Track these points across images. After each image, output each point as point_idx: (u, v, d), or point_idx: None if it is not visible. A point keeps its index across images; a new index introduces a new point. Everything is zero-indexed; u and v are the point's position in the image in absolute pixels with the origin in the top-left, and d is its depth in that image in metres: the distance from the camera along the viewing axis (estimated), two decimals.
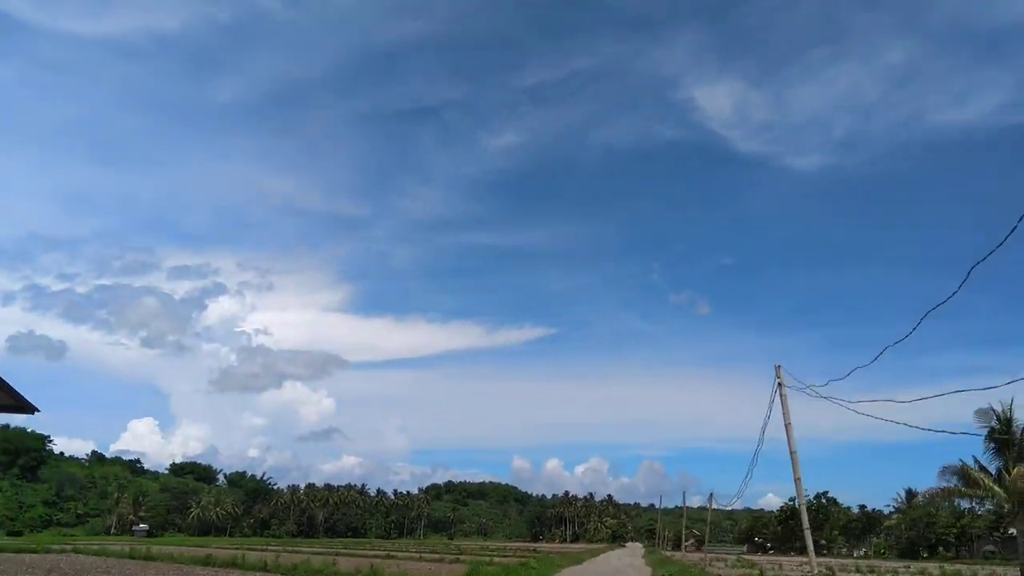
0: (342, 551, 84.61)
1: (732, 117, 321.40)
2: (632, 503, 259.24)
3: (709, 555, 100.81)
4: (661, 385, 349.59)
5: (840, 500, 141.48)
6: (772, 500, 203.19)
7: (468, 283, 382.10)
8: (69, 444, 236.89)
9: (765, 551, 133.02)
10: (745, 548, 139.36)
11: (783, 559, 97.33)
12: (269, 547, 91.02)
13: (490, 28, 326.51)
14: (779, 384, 18.80)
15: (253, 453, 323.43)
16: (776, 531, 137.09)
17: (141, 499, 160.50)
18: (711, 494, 37.05)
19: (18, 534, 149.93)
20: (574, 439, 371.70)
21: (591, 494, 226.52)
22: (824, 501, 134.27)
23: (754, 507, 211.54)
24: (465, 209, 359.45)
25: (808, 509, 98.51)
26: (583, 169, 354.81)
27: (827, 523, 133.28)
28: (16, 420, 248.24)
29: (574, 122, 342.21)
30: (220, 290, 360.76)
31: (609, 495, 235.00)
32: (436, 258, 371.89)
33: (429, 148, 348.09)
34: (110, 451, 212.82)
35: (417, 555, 74.31)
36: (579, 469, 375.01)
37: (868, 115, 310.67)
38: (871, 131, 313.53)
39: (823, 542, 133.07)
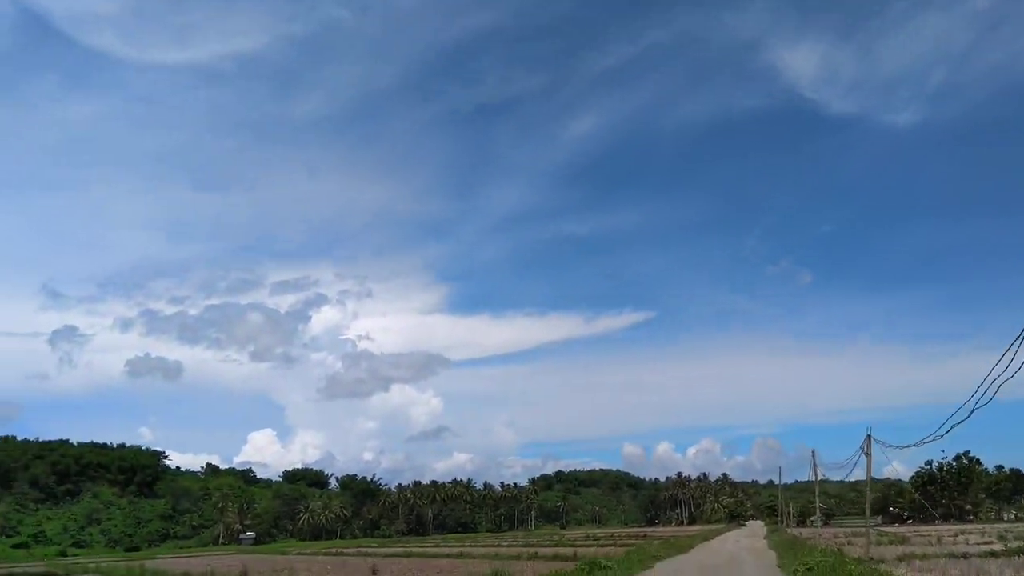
0: (415, 548, 73.14)
1: (819, 78, 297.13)
2: (749, 481, 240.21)
3: (841, 529, 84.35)
4: (766, 360, 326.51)
5: (983, 461, 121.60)
6: (897, 469, 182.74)
7: (561, 273, 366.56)
8: (188, 459, 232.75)
9: (903, 521, 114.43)
10: (880, 519, 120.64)
11: (930, 528, 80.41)
12: (343, 550, 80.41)
13: (558, 13, 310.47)
14: None
15: (368, 456, 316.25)
16: (914, 499, 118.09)
17: (247, 507, 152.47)
18: (868, 435, 22.05)
19: (136, 549, 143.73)
20: (683, 422, 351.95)
21: (704, 474, 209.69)
22: (966, 461, 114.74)
23: (879, 477, 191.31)
24: (550, 199, 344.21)
25: (948, 471, 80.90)
26: (666, 147, 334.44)
27: (971, 486, 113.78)
28: (132, 438, 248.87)
29: (653, 100, 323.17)
30: (322, 300, 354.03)
31: (724, 474, 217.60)
32: (527, 251, 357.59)
33: (509, 142, 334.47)
34: (234, 463, 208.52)
35: (493, 550, 61.05)
36: (691, 451, 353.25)
37: (961, 62, 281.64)
38: (966, 79, 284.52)
39: (968, 507, 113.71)
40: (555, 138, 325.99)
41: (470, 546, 77.12)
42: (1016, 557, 34.72)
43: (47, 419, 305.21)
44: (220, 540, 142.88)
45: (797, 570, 24.91)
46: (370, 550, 77.11)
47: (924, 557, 37.80)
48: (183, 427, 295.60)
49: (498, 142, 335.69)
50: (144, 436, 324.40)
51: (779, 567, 31.76)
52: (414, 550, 70.62)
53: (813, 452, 35.50)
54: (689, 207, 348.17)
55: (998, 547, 40.13)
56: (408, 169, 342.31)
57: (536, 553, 52.39)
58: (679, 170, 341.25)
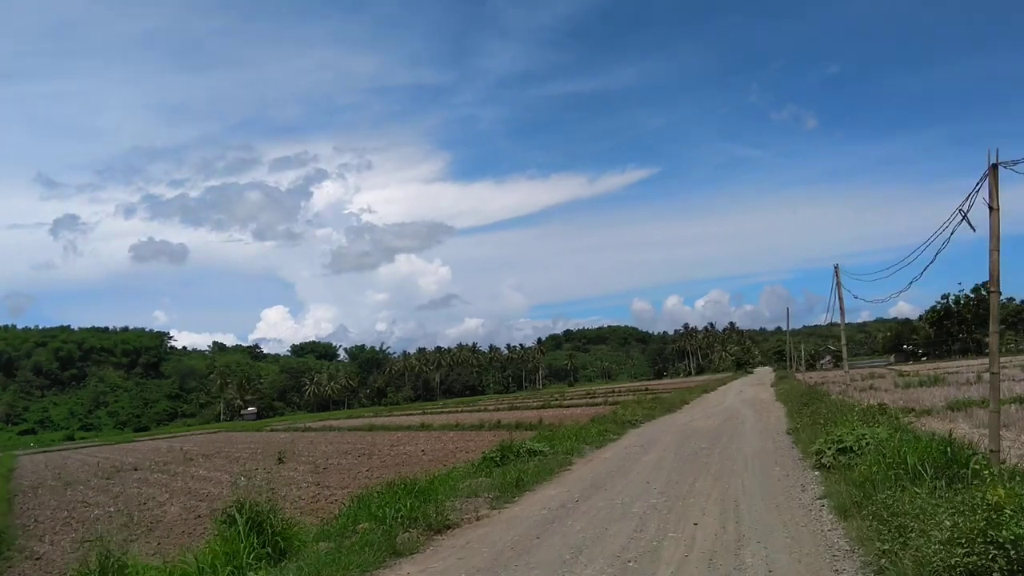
0: (380, 420, 63.72)
1: None
2: (757, 328, 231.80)
3: (856, 371, 74.05)
4: (773, 210, 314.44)
5: (1006, 292, 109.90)
6: (904, 308, 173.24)
7: (562, 134, 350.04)
8: (203, 339, 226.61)
9: (917, 358, 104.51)
10: (892, 358, 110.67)
11: (954, 364, 70.28)
12: (310, 424, 71.50)
13: None
14: None
15: (380, 327, 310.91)
16: (929, 335, 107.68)
17: (247, 384, 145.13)
18: (993, 164, 11.90)
19: (145, 429, 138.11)
20: (691, 275, 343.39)
21: (711, 324, 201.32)
22: (985, 292, 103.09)
23: (886, 317, 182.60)
24: (548, 60, 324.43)
25: (966, 304, 68.79)
26: None
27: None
28: (146, 322, 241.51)
29: None
30: (322, 176, 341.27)
31: (731, 323, 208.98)
32: (526, 114, 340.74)
33: (501, 2, 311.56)
34: (249, 341, 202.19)
35: (454, 419, 51.12)
36: (699, 303, 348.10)
37: None
38: None
39: (986, 340, 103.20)
40: None
41: (446, 412, 68.23)
42: None
43: (57, 308, 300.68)
44: (220, 417, 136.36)
45: (823, 451, 13.95)
46: (337, 423, 68.04)
47: (986, 404, 26.85)
48: (194, 308, 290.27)
49: (489, 3, 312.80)
50: (158, 319, 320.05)
51: (790, 434, 20.91)
52: (376, 422, 61.44)
53: (836, 268, 24.02)
54: (690, 59, 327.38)
55: None
56: (399, 37, 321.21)
57: (499, 422, 42.43)
58: (678, 21, 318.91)
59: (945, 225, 9.80)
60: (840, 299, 23.48)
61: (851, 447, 13.27)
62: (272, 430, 72.83)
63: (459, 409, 75.63)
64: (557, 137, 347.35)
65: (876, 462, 10.89)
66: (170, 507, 21.73)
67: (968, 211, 9.16)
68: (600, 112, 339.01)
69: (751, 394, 50.87)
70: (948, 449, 10.40)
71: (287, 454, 36.12)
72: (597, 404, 55.62)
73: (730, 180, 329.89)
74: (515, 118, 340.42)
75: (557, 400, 73.34)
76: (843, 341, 25.81)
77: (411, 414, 75.36)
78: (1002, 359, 61.03)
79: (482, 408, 71.93)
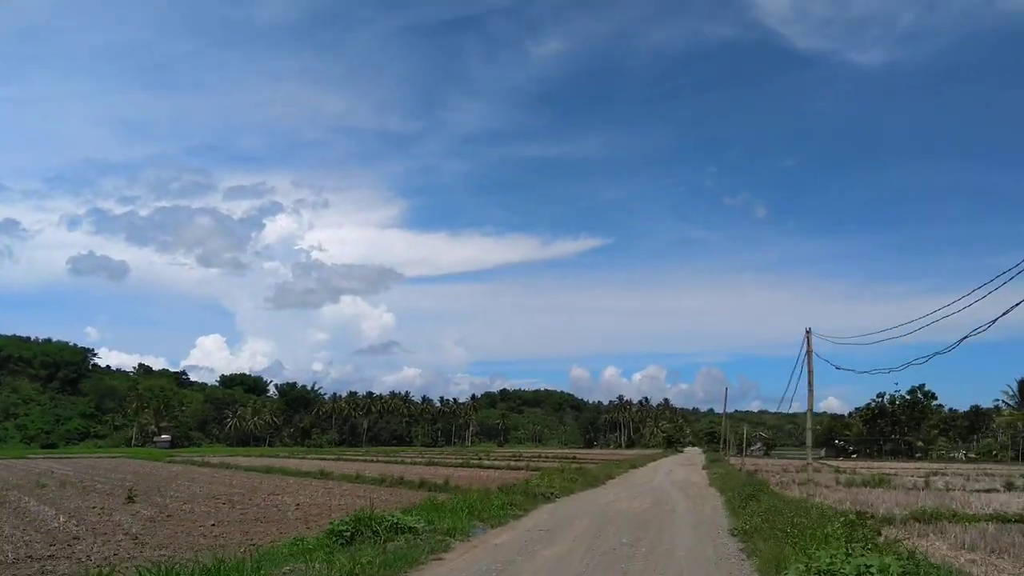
0: (280, 463, 57.45)
1: (790, 13, 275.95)
2: (691, 408, 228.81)
3: (790, 461, 70.25)
4: (718, 292, 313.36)
5: (940, 399, 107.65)
6: (833, 404, 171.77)
7: (521, 195, 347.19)
8: (133, 359, 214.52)
9: (848, 455, 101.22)
10: (823, 452, 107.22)
11: (894, 466, 66.72)
12: (209, 459, 64.52)
13: None
14: None
15: (317, 367, 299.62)
16: (861, 432, 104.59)
17: (165, 410, 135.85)
18: None
19: (53, 446, 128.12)
20: (632, 347, 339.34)
21: (646, 398, 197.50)
22: (920, 396, 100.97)
23: (816, 410, 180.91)
24: (515, 120, 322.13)
25: (901, 406, 64.51)
26: (634, 74, 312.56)
27: (924, 422, 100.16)
28: (60, 334, 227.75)
29: (623, 25, 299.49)
30: (277, 208, 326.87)
31: (666, 399, 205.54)
32: (488, 171, 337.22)
33: (475, 59, 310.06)
34: (181, 367, 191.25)
35: (355, 469, 45.26)
36: (636, 377, 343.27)
37: (931, 5, 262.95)
38: (936, 22, 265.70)
39: (919, 443, 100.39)
40: (521, 59, 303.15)
41: (359, 460, 62.33)
42: None
43: None
44: (132, 442, 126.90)
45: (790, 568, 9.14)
46: (239, 460, 61.41)
47: (957, 519, 22.57)
48: (127, 328, 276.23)
49: (464, 59, 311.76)
50: (90, 335, 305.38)
51: (735, 536, 16.18)
52: (277, 463, 55.08)
53: (808, 331, 19.66)
54: (652, 136, 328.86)
55: None
56: (371, 81, 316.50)
57: (401, 479, 37.00)
58: (644, 99, 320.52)
59: None
60: (810, 370, 19.07)
61: None
62: (169, 460, 65.83)
63: (375, 459, 69.69)
64: (516, 197, 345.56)
65: None
66: None
67: None
68: (560, 177, 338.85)
69: (682, 475, 46.24)
70: None
71: (148, 492, 30.28)
72: (519, 468, 51.25)
73: (679, 258, 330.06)
74: (476, 174, 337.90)
75: (479, 460, 67.85)
76: (808, 424, 21.29)
77: (324, 459, 69.36)
78: (935, 465, 56.95)
79: (399, 460, 66.02)
